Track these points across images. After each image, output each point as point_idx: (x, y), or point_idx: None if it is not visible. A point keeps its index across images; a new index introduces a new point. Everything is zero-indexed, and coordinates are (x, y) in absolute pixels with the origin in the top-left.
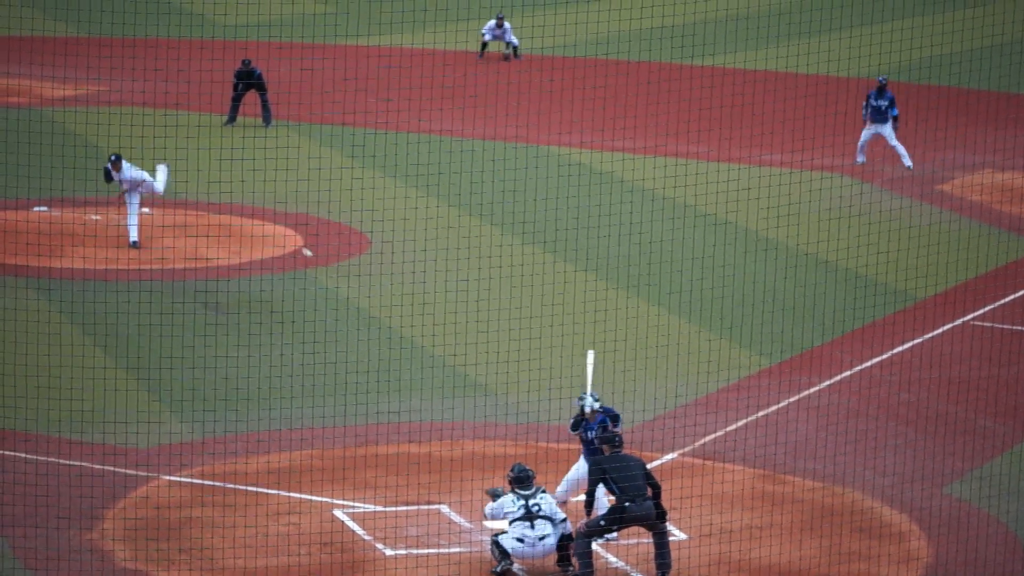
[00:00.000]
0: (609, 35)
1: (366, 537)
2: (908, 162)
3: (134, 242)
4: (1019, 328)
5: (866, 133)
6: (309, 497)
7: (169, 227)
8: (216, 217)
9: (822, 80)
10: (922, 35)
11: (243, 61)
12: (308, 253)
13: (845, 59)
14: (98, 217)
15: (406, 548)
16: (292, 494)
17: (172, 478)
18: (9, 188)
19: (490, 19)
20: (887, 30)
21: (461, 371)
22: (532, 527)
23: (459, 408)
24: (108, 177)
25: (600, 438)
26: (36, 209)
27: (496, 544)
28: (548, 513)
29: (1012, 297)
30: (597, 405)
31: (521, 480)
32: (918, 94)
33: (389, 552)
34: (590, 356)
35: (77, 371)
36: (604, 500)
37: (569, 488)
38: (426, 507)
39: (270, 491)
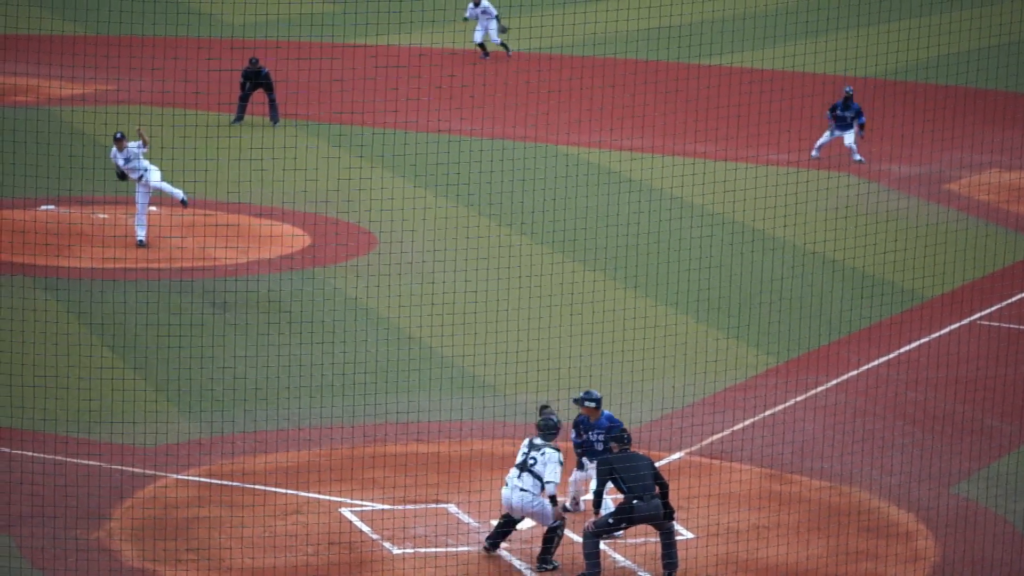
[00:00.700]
0: (617, 34)
1: (373, 536)
2: (858, 157)
3: (141, 241)
4: None
5: (827, 136)
6: (316, 496)
7: (177, 226)
8: (224, 216)
9: (829, 79)
10: (929, 34)
11: (250, 60)
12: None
13: (852, 58)
14: (105, 216)
15: (413, 547)
16: (299, 493)
17: (179, 477)
18: (17, 187)
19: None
20: (894, 29)
21: (469, 370)
22: (519, 476)
23: (467, 407)
24: (122, 176)
25: (610, 436)
26: (44, 208)
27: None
28: (538, 471)
29: (1019, 296)
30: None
31: (540, 428)
32: (925, 93)
33: (396, 551)
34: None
35: (85, 370)
36: (609, 500)
37: (576, 491)
38: (434, 506)
39: (277, 490)
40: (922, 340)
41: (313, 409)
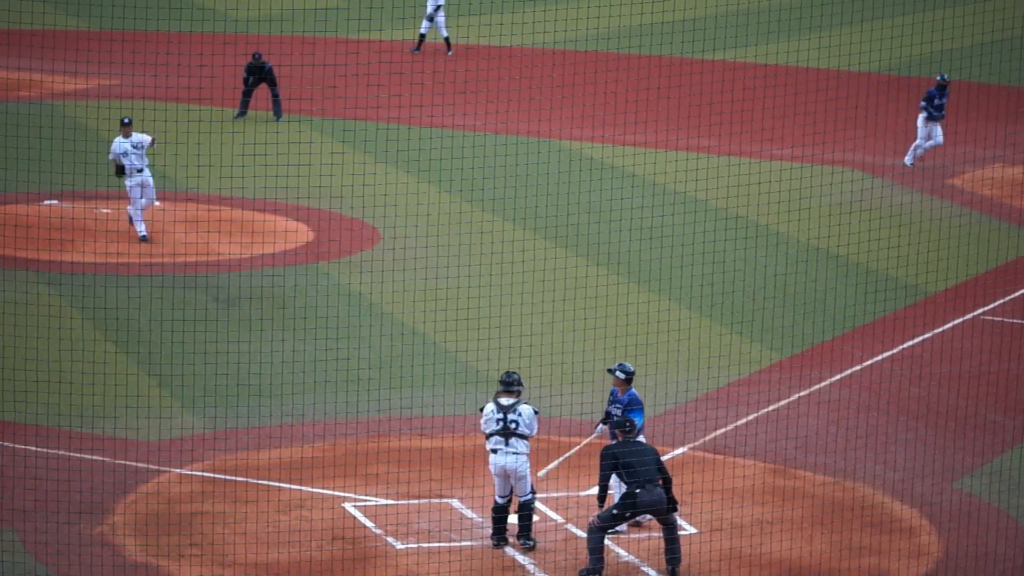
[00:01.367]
0: (620, 29)
1: (376, 531)
2: (911, 160)
3: (142, 236)
4: None
5: (923, 135)
6: (320, 491)
7: (180, 221)
8: (227, 211)
9: (832, 74)
10: (932, 29)
11: (253, 55)
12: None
13: (856, 53)
14: (109, 211)
15: (416, 542)
16: (303, 488)
17: (182, 472)
18: (20, 182)
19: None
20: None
21: (472, 365)
22: (507, 443)
23: (470, 402)
24: (120, 172)
25: (613, 423)
26: (46, 203)
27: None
28: (523, 431)
29: (1022, 291)
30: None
31: (503, 382)
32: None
33: (399, 546)
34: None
35: (87, 365)
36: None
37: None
38: (437, 501)
39: (281, 485)
40: (925, 335)
41: (316, 404)
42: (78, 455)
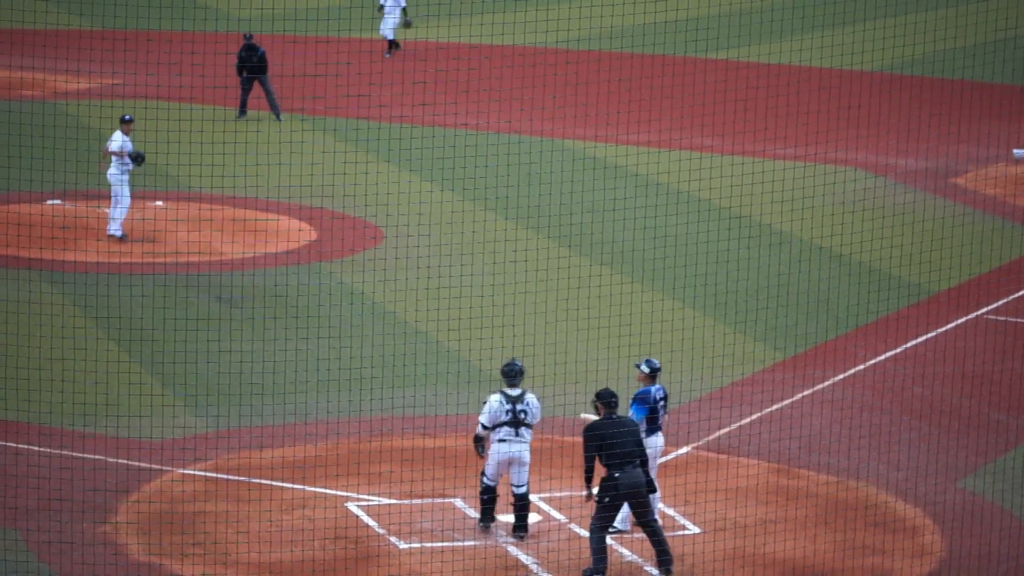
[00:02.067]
0: (623, 28)
1: (379, 530)
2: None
3: (122, 235)
4: None
5: None
6: (323, 490)
7: (183, 220)
8: (230, 211)
9: (836, 73)
10: (935, 28)
11: (244, 35)
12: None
13: (859, 52)
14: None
15: (419, 541)
16: (306, 487)
17: (185, 471)
18: (24, 181)
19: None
20: (900, 23)
21: (476, 364)
22: (517, 433)
23: (473, 401)
24: (141, 160)
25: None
26: (50, 202)
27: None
28: (531, 420)
29: None
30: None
31: (508, 375)
32: (932, 87)
33: (403, 545)
34: None
35: (90, 364)
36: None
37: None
38: (440, 500)
39: (283, 484)
40: (929, 335)
41: (319, 403)
42: (80, 454)
